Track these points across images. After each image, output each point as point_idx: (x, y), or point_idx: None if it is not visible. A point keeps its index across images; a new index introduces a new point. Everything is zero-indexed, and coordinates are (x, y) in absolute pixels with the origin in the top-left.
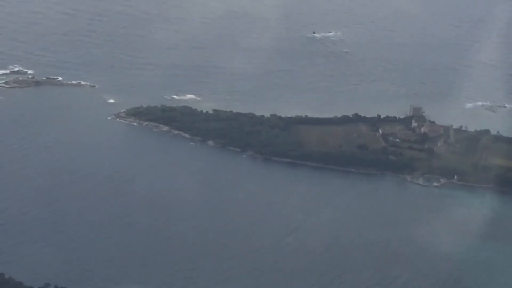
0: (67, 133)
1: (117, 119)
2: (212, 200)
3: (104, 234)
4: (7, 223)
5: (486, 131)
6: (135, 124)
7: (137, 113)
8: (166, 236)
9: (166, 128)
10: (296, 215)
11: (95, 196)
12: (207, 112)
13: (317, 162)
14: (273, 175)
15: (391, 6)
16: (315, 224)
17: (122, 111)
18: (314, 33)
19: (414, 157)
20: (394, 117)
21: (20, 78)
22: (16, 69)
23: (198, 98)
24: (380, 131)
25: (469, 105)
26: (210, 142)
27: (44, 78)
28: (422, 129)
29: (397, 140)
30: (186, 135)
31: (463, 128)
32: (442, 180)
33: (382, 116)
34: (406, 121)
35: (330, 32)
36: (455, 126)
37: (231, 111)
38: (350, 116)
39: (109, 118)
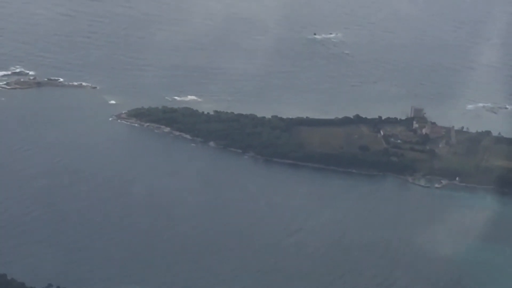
0: (68, 134)
1: (118, 120)
2: (213, 201)
3: (105, 235)
4: (9, 224)
5: (488, 133)
6: (136, 125)
7: (138, 114)
8: (167, 236)
9: (167, 129)
10: (298, 216)
11: (96, 196)
12: (208, 113)
13: (318, 163)
14: (274, 176)
15: (391, 7)
16: (317, 225)
17: (123, 112)
18: (315, 34)
19: (415, 158)
20: (395, 118)
21: (22, 79)
22: (18, 70)
23: (199, 99)
24: (382, 132)
25: (470, 106)
26: (211, 143)
27: (46, 79)
28: (424, 130)
29: (399, 141)
30: (188, 136)
31: (464, 130)
32: (444, 181)
33: (383, 117)
34: (408, 122)
35: (331, 33)
36: (456, 128)
37: (232, 112)
38: (351, 117)
39: (110, 119)
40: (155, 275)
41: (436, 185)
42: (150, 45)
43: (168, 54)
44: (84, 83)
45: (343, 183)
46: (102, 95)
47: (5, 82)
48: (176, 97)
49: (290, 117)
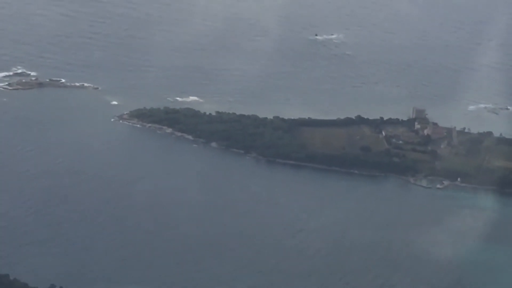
0: (70, 135)
1: (120, 121)
2: (215, 202)
3: (108, 235)
4: (11, 225)
5: (489, 133)
6: (138, 126)
7: (140, 115)
8: (169, 237)
9: (169, 130)
10: (299, 216)
11: (98, 197)
12: (210, 114)
13: (320, 164)
14: (276, 177)
15: (392, 8)
16: (319, 226)
17: (125, 113)
18: (316, 35)
19: (417, 159)
20: (397, 119)
21: (23, 80)
22: (19, 71)
23: (201, 100)
24: (383, 133)
25: (471, 107)
26: (213, 144)
27: (47, 80)
28: (425, 131)
29: (400, 142)
30: (190, 137)
31: (466, 130)
32: (445, 182)
33: (385, 118)
34: (409, 123)
35: (332, 34)
36: (458, 128)
37: (234, 113)
38: (353, 118)
39: (112, 120)
40: (158, 275)
41: (438, 186)
42: (152, 46)
43: (169, 54)
44: (86, 84)
45: (345, 183)
46: (104, 96)
47: (7, 83)
48: (178, 98)
49: (292, 117)
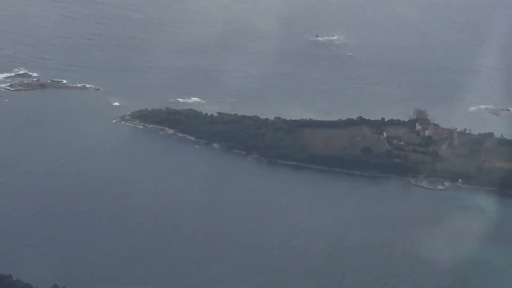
0: (72, 136)
1: (122, 122)
2: (216, 202)
3: (110, 236)
4: (13, 225)
5: (490, 134)
6: (140, 127)
7: (142, 116)
8: (171, 238)
9: (171, 131)
10: (301, 217)
11: (100, 198)
12: (212, 115)
13: (321, 165)
14: (277, 178)
15: (393, 9)
16: (320, 227)
17: (127, 114)
18: (317, 36)
19: (418, 160)
20: (398, 120)
21: (25, 81)
22: (21, 72)
23: (203, 101)
24: (385, 134)
25: (472, 108)
26: (215, 145)
27: (49, 81)
28: (426, 132)
29: (402, 143)
30: (191, 138)
31: (467, 131)
32: (446, 183)
33: (386, 119)
34: (410, 124)
35: (333, 35)
36: (459, 129)
37: (235, 114)
38: (355, 119)
39: (114, 121)
40: (159, 275)
41: (439, 187)
42: (153, 47)
43: (171, 56)
44: (87, 85)
45: (346, 184)
46: (106, 97)
47: (8, 84)
48: (179, 99)
49: (294, 119)
